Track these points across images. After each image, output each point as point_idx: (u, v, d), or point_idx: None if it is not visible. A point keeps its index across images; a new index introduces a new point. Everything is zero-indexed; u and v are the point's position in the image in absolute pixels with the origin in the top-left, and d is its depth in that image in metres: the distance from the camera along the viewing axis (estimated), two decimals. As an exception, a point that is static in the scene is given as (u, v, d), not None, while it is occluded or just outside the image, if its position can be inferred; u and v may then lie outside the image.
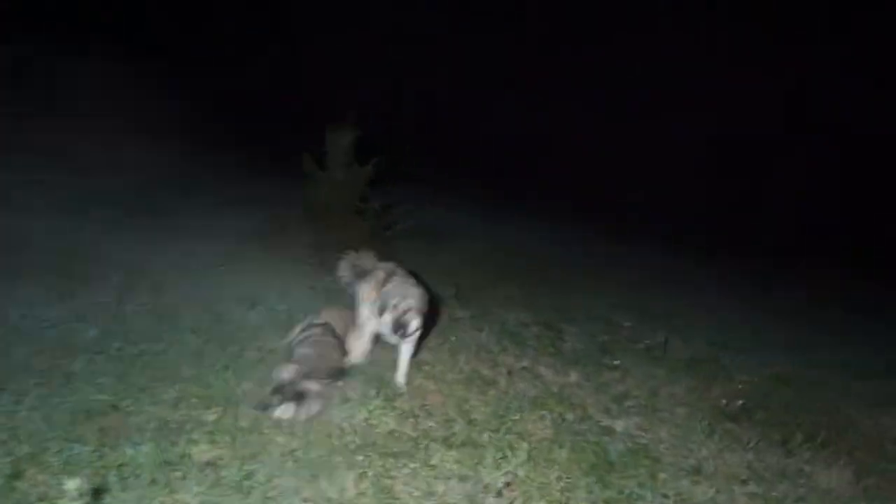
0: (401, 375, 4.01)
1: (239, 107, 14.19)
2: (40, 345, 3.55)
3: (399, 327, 3.83)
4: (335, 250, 7.00)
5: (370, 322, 4.09)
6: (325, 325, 4.16)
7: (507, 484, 3.03)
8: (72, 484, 2.10)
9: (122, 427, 2.86)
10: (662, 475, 3.42)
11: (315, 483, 2.79)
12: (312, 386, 3.42)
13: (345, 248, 6.98)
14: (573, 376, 4.70)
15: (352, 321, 4.30)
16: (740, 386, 4.98)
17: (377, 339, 4.20)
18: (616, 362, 5.03)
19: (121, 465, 2.67)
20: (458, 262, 7.26)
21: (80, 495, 2.11)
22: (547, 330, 5.77)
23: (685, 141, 13.34)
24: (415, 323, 3.86)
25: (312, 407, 3.35)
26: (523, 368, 4.73)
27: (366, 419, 3.42)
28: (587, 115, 13.37)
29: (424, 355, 4.49)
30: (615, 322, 6.45)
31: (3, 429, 2.77)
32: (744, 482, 3.55)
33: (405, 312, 3.79)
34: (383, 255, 7.18)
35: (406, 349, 4.05)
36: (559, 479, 3.15)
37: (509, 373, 4.56)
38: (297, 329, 4.25)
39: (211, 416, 3.13)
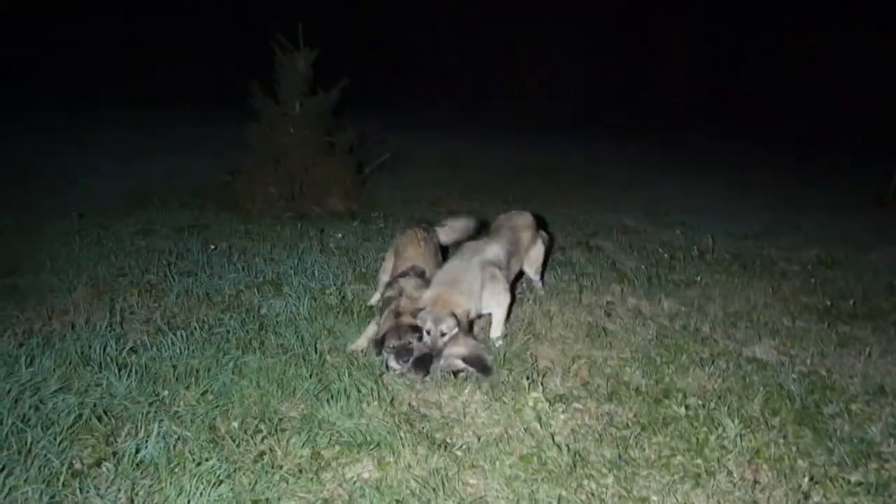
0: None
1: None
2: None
3: None
4: (309, 199, 5.90)
5: None
6: (412, 269, 3.47)
7: (749, 463, 2.51)
8: None
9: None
10: (854, 406, 3.03)
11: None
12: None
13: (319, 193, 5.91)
14: (666, 304, 4.22)
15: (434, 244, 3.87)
16: (812, 280, 4.80)
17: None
18: (698, 278, 4.61)
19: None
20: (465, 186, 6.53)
21: None
22: (588, 251, 5.26)
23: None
24: None
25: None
26: (610, 304, 4.17)
27: (537, 419, 2.70)
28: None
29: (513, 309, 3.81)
30: (634, 229, 6.09)
31: None
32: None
33: None
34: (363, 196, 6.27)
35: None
36: (782, 440, 2.67)
37: (607, 314, 3.99)
38: (377, 295, 3.69)
39: (373, 472, 2.26)
